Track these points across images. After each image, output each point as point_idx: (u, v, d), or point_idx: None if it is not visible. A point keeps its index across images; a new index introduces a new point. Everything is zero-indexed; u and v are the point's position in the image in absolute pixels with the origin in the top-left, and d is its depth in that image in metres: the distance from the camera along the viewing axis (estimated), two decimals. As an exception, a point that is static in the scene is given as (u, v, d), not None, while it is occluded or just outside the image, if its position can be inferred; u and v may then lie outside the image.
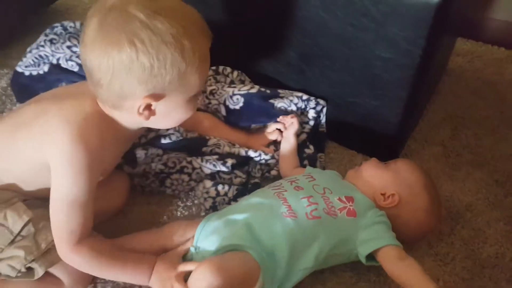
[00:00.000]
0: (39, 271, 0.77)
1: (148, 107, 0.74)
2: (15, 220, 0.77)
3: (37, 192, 0.82)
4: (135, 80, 0.70)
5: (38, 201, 0.82)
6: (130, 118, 0.77)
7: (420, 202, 0.86)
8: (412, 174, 0.89)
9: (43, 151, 0.74)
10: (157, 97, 0.73)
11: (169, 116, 0.78)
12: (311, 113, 1.06)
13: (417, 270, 0.76)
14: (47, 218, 0.77)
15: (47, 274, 0.78)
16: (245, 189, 0.97)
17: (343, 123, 1.07)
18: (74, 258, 0.76)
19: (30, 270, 0.77)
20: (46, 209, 0.77)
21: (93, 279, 0.85)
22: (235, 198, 0.96)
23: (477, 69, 1.37)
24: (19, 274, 0.77)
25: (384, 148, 1.04)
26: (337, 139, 1.12)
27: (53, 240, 0.77)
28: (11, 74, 1.31)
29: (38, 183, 0.80)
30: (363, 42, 0.90)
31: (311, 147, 1.05)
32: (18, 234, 0.77)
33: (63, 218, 0.74)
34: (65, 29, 1.08)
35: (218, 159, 0.98)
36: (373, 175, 0.89)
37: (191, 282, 0.72)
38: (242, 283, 0.74)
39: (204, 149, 0.99)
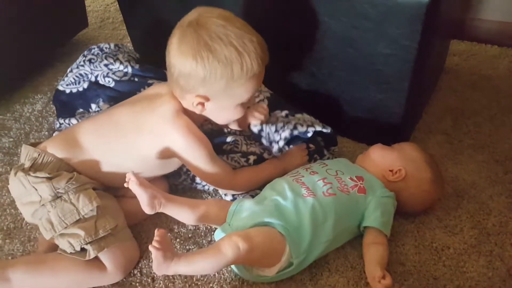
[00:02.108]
0: (91, 253, 0.88)
1: (201, 103, 0.93)
2: (86, 204, 0.89)
3: (114, 180, 0.98)
4: (192, 82, 0.90)
5: (105, 193, 0.96)
6: (191, 109, 0.96)
7: (424, 174, 0.97)
8: (415, 151, 1.01)
9: (165, 151, 0.95)
10: (206, 98, 0.92)
11: (218, 115, 0.98)
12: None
13: (377, 254, 0.89)
14: (109, 210, 0.92)
15: (94, 258, 0.89)
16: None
17: (352, 118, 1.18)
18: (238, 187, 1.02)
19: (82, 250, 0.89)
20: (110, 201, 0.95)
21: (136, 265, 0.95)
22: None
23: (473, 66, 1.49)
24: (73, 252, 0.88)
25: (392, 138, 1.12)
26: (347, 134, 1.22)
27: (109, 229, 0.89)
28: (45, 99, 1.46)
29: (132, 170, 0.95)
30: (366, 42, 1.01)
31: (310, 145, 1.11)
32: (83, 216, 0.89)
33: (210, 175, 0.97)
34: (101, 50, 1.21)
35: (242, 156, 1.07)
36: (380, 155, 1.02)
37: (219, 244, 0.82)
38: (268, 253, 0.85)
39: (225, 147, 1.09)
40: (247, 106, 0.99)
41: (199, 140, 0.94)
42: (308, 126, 1.07)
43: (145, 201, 0.86)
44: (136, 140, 0.95)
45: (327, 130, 1.10)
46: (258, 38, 0.90)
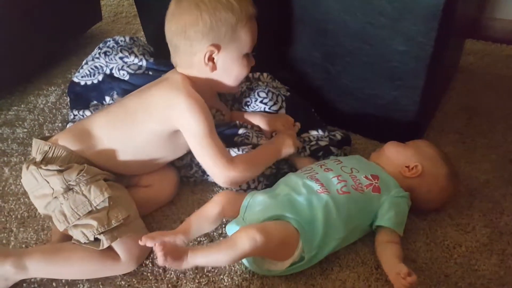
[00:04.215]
0: (104, 243, 0.89)
1: (211, 59, 0.97)
2: (97, 195, 0.90)
3: (128, 168, 1.01)
4: (200, 34, 0.94)
5: (117, 184, 0.97)
6: (201, 73, 0.99)
7: (440, 170, 0.97)
8: (430, 148, 1.01)
9: (169, 120, 0.96)
10: (217, 46, 0.96)
11: (228, 71, 1.01)
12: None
13: (395, 252, 0.89)
14: (120, 201, 0.93)
15: (108, 248, 0.90)
16: (275, 180, 1.04)
17: (365, 115, 1.18)
18: (231, 178, 0.95)
19: (96, 241, 0.90)
20: (121, 191, 0.96)
21: (147, 256, 0.96)
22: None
23: (487, 65, 1.48)
24: (87, 242, 0.89)
25: (405, 136, 1.11)
26: (360, 131, 1.22)
27: (121, 219, 0.90)
28: (59, 91, 1.48)
29: (143, 155, 1.01)
30: (381, 38, 1.01)
31: (320, 142, 1.13)
32: (95, 207, 0.90)
33: (207, 150, 0.94)
34: (116, 42, 1.22)
35: (252, 148, 1.07)
36: (396, 152, 1.01)
37: (236, 236, 0.82)
38: (282, 246, 0.85)
39: (235, 139, 1.09)
40: (252, 64, 1.04)
41: (201, 108, 0.94)
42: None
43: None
44: (146, 117, 0.97)
45: (338, 137, 1.13)
46: None
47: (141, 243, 0.84)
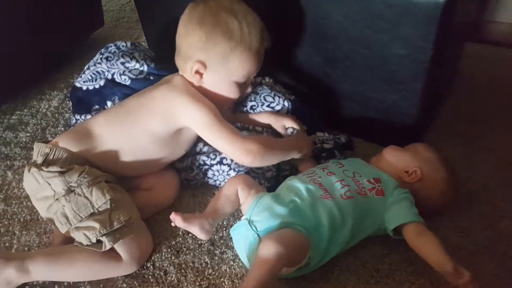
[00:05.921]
0: (107, 245, 0.90)
1: (198, 73, 0.99)
2: (99, 197, 0.91)
3: (128, 168, 1.02)
4: (193, 45, 0.97)
5: (118, 186, 0.98)
6: (192, 80, 1.01)
7: (439, 173, 0.97)
8: (428, 152, 1.01)
9: (172, 119, 0.98)
10: (203, 64, 0.97)
11: (215, 89, 1.01)
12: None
13: (434, 245, 0.86)
14: (122, 202, 0.94)
15: (110, 249, 0.91)
16: (276, 182, 1.06)
17: (365, 118, 1.18)
18: (252, 149, 0.95)
19: (98, 242, 0.90)
20: (122, 194, 0.96)
21: (149, 259, 0.97)
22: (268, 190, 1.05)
23: (487, 68, 1.48)
24: (89, 244, 0.90)
25: (405, 140, 1.11)
26: (361, 135, 1.23)
27: (123, 220, 0.91)
28: (61, 95, 1.49)
29: (143, 155, 1.02)
30: (380, 42, 1.02)
31: (325, 145, 1.14)
32: (97, 209, 0.91)
33: (220, 133, 0.96)
34: (118, 48, 1.23)
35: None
36: (395, 156, 1.01)
37: (261, 252, 0.81)
38: (298, 253, 0.85)
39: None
40: (243, 92, 1.05)
41: (202, 100, 0.98)
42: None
43: (198, 232, 0.90)
44: (147, 117, 0.99)
45: (343, 140, 1.15)
46: (261, 22, 0.98)
47: (171, 218, 0.88)
